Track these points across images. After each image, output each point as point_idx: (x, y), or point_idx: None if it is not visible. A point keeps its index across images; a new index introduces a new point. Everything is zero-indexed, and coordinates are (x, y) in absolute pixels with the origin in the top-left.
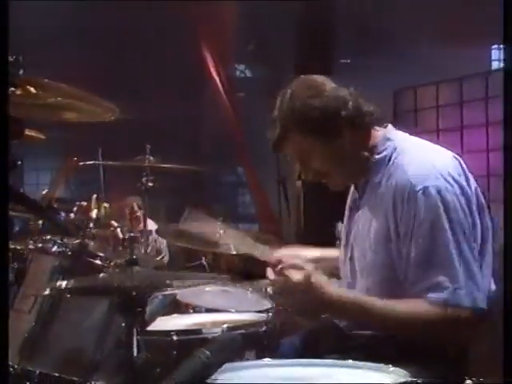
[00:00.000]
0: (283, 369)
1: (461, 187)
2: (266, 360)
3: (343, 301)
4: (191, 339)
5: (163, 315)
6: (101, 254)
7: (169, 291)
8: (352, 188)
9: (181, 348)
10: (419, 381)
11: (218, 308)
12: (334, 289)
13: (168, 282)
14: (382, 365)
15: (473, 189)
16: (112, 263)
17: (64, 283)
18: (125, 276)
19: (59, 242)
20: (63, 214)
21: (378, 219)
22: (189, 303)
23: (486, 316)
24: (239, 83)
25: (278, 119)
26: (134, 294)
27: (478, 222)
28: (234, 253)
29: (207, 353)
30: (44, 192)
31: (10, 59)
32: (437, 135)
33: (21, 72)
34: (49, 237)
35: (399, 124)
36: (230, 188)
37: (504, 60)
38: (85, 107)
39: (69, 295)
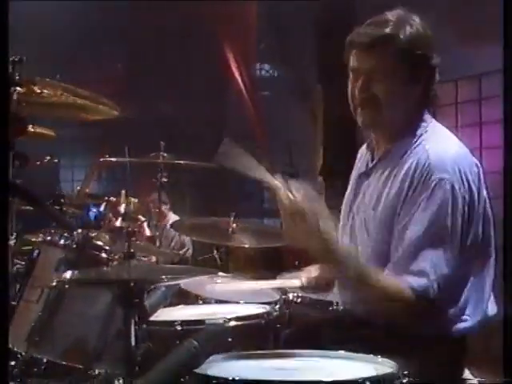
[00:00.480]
0: (272, 359)
1: (471, 195)
2: (258, 351)
3: (344, 253)
4: (194, 329)
5: (166, 306)
6: (105, 247)
7: (170, 283)
8: (363, 151)
9: (184, 338)
10: (405, 372)
11: (227, 299)
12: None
13: (163, 275)
14: (371, 356)
15: (482, 200)
16: (116, 256)
17: (69, 275)
18: (122, 269)
19: (65, 235)
20: (94, 208)
21: (390, 193)
22: (198, 294)
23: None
24: (265, 82)
25: (389, 25)
26: (132, 285)
27: (480, 233)
28: (247, 246)
29: (195, 343)
30: (78, 188)
31: (15, 59)
32: (456, 131)
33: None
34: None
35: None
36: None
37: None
38: (89, 106)
39: (73, 286)
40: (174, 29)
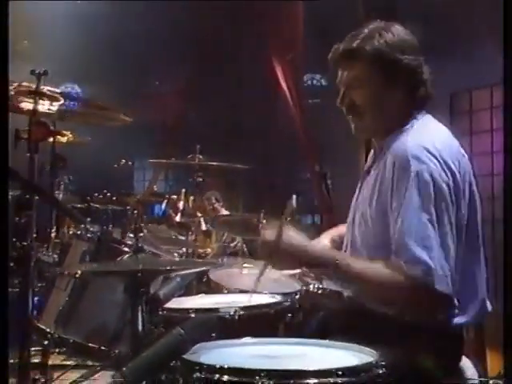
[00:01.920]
0: (261, 347)
1: (455, 181)
2: (246, 338)
3: (316, 254)
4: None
5: (180, 296)
6: (125, 241)
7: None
8: (372, 152)
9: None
10: (383, 362)
11: (249, 289)
12: (306, 242)
13: (168, 267)
14: (355, 345)
15: (467, 189)
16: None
17: (87, 266)
18: (131, 261)
19: (91, 229)
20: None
21: (380, 189)
22: (223, 284)
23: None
24: (316, 91)
25: (362, 35)
26: (139, 275)
27: (465, 217)
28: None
29: (181, 331)
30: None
31: (40, 71)
32: (491, 135)
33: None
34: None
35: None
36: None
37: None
38: (100, 113)
39: (93, 276)
40: (226, 39)
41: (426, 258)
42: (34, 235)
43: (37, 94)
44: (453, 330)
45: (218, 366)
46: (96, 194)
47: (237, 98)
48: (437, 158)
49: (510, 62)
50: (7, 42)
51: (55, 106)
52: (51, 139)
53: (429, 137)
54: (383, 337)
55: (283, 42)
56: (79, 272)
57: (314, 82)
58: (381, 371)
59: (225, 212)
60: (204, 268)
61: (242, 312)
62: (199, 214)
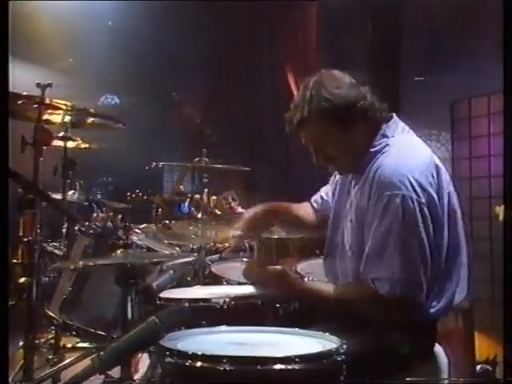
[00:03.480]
0: (233, 334)
1: (430, 200)
2: (221, 327)
3: (307, 291)
4: (199, 306)
5: (173, 287)
6: (122, 237)
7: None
8: None
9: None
10: (342, 350)
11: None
12: (301, 282)
13: (156, 260)
14: (320, 332)
15: (445, 202)
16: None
17: (91, 259)
18: (122, 255)
19: (93, 226)
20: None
21: (358, 209)
22: (222, 276)
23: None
24: None
25: (302, 104)
26: (129, 267)
27: (445, 227)
28: (276, 237)
29: (156, 320)
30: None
31: (44, 83)
32: (488, 140)
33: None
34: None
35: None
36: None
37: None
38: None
39: (92, 268)
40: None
41: (392, 277)
42: (39, 230)
43: (42, 105)
44: (427, 320)
45: (190, 352)
46: (129, 194)
47: (257, 105)
48: (410, 181)
49: (510, 67)
50: (7, 41)
51: (69, 117)
52: (62, 144)
53: (403, 159)
54: (365, 328)
55: (298, 52)
56: (81, 265)
57: None
58: (340, 358)
59: (241, 210)
60: (187, 260)
61: (231, 302)
62: (218, 212)
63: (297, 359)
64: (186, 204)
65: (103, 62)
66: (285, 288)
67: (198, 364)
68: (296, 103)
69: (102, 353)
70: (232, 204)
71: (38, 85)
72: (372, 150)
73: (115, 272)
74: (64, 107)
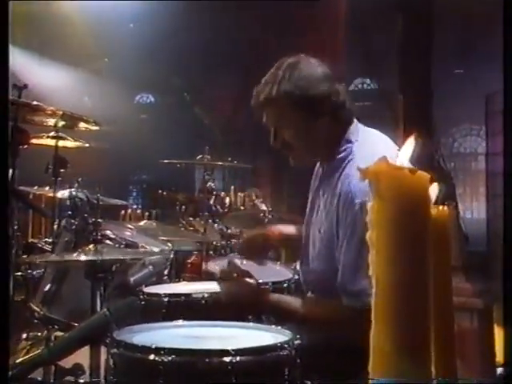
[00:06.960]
0: (189, 329)
1: None
2: (179, 321)
3: (277, 305)
4: (178, 301)
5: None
6: (104, 233)
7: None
8: (318, 170)
9: (169, 308)
10: (295, 342)
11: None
12: (272, 295)
13: (126, 256)
14: (273, 326)
15: None
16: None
17: (70, 254)
18: (92, 251)
19: (73, 222)
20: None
21: (328, 219)
22: (214, 272)
23: None
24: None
25: (272, 83)
26: (99, 263)
27: None
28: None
29: (107, 312)
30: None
31: (20, 85)
32: None
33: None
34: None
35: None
36: None
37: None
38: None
39: (68, 263)
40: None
41: (368, 289)
42: (16, 227)
43: (18, 106)
44: None
45: (140, 345)
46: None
47: None
48: None
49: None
50: (7, 42)
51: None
52: (53, 143)
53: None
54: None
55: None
56: (60, 260)
57: (365, 85)
58: (284, 352)
59: (264, 208)
60: (158, 256)
61: (209, 298)
62: (242, 208)
63: (239, 352)
64: (212, 201)
65: (135, 62)
66: (254, 303)
67: (146, 356)
68: (267, 80)
69: (51, 344)
70: (255, 201)
71: (15, 86)
72: (338, 156)
73: (84, 267)
74: (42, 109)
